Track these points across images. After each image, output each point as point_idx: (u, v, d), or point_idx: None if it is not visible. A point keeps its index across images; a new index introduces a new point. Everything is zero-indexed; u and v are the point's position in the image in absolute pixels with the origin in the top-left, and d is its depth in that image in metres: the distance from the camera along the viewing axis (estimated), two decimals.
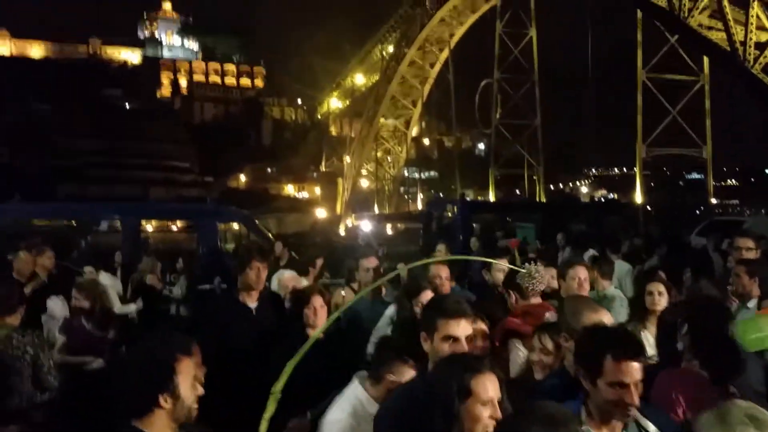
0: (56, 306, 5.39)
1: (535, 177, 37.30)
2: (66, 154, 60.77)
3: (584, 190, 60.95)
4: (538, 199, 34.47)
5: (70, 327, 4.46)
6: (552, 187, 50.85)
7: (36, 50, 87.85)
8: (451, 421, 1.86)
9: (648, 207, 24.61)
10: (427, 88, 48.82)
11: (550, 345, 2.67)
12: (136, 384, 1.93)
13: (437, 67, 47.14)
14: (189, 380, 1.95)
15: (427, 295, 3.41)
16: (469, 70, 43.19)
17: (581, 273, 4.06)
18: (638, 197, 28.57)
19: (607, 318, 2.55)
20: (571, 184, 64.51)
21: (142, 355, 1.98)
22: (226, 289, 3.99)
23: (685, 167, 53.01)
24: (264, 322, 3.68)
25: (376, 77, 55.46)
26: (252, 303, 3.74)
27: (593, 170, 66.55)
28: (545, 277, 3.67)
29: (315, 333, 2.76)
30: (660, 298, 3.85)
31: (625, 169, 52.03)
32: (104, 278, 6.44)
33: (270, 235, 12.45)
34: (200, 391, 1.99)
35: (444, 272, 4.01)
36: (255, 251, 3.82)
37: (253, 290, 3.74)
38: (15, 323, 3.92)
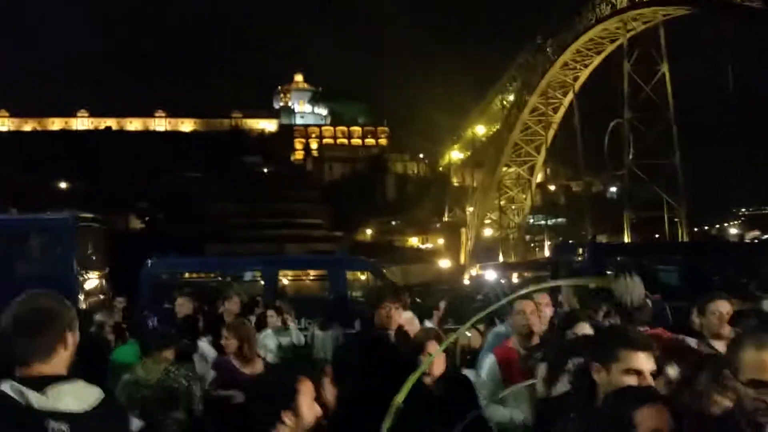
0: (206, 346, 5.94)
1: (676, 219, 34.79)
2: (213, 217, 66.46)
3: (733, 231, 55.38)
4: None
5: (220, 364, 4.83)
6: (696, 229, 46.94)
7: (187, 126, 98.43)
8: None
9: None
10: (551, 133, 47.88)
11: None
12: (264, 402, 2.21)
13: (561, 111, 46.24)
14: (308, 400, 2.22)
15: (584, 327, 3.35)
16: (595, 112, 41.84)
17: (722, 307, 3.79)
18: None
19: None
20: (718, 226, 59.01)
21: (270, 378, 2.34)
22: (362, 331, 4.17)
23: None
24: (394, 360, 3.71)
25: (496, 127, 55.43)
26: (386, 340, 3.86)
27: (743, 210, 60.57)
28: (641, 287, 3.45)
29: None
30: None
31: None
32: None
33: (395, 283, 12.76)
34: (319, 411, 2.25)
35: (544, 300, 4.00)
36: (388, 291, 4.03)
37: (385, 329, 3.87)
38: (170, 357, 4.38)
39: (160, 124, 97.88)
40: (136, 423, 4.25)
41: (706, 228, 56.78)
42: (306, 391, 2.24)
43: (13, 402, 1.65)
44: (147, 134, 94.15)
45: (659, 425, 1.79)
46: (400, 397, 2.28)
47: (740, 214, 60.41)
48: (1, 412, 1.62)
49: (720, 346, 3.80)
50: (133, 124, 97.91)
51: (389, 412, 2.34)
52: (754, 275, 10.07)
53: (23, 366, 1.78)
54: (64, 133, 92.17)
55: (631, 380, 2.16)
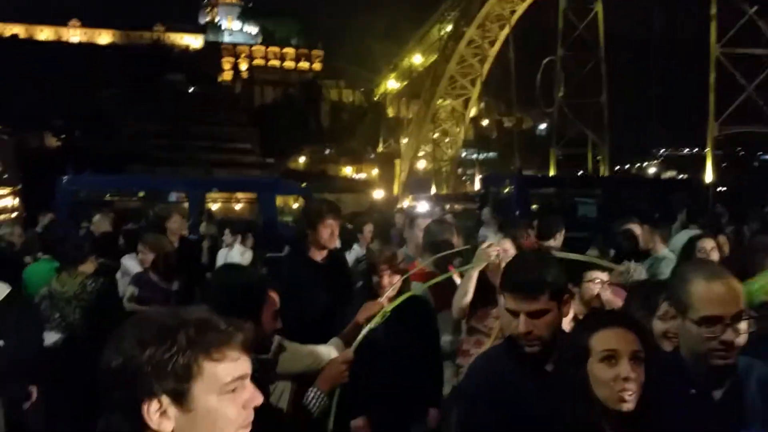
0: (130, 263, 5.78)
1: (599, 157, 36.17)
2: (134, 137, 63.30)
3: (652, 170, 58.50)
4: None
5: (139, 279, 4.73)
6: (617, 167, 49.15)
7: (104, 38, 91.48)
8: None
9: (717, 187, 23.49)
10: (486, 67, 47.92)
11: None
12: (225, 309, 2.08)
13: (497, 45, 46.18)
14: (271, 312, 2.19)
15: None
16: (531, 48, 42.08)
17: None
18: (708, 177, 27.30)
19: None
20: (638, 165, 62.04)
21: (233, 283, 2.21)
22: (293, 251, 3.94)
23: (759, 147, 50.17)
24: (334, 279, 3.62)
25: (434, 58, 54.90)
26: (322, 261, 3.65)
27: (662, 150, 63.81)
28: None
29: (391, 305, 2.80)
30: (711, 253, 3.77)
31: (696, 149, 49.66)
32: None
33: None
34: (278, 325, 2.23)
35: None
36: (328, 208, 3.64)
37: (323, 248, 3.63)
38: (88, 271, 4.21)
39: (74, 34, 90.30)
40: (53, 336, 4.10)
41: (627, 167, 59.64)
42: (271, 303, 2.20)
43: None
44: (60, 45, 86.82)
45: (616, 347, 1.64)
46: (389, 307, 2.37)
47: (659, 154, 63.63)
48: None
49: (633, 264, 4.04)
50: (44, 33, 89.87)
51: (378, 316, 2.42)
52: (666, 210, 10.69)
53: None
54: None
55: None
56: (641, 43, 54.96)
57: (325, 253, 3.65)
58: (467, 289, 3.24)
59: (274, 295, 2.24)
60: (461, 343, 3.45)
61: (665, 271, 4.33)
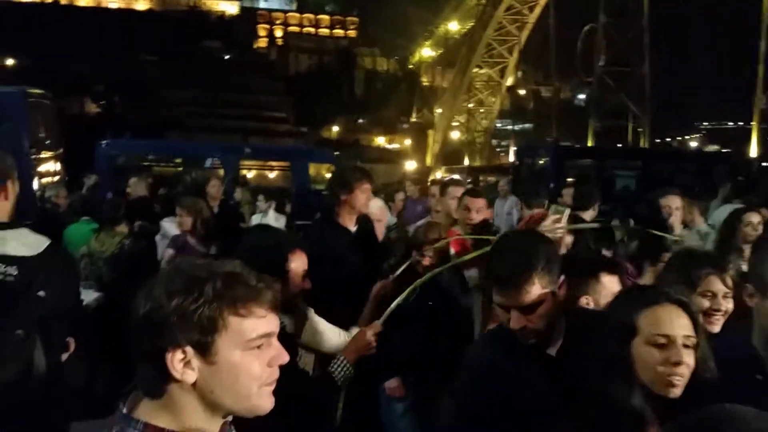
0: (169, 226, 5.91)
1: (639, 129, 35.23)
2: (170, 104, 64.12)
3: (693, 144, 56.71)
4: None
5: (176, 242, 4.79)
6: (658, 140, 47.75)
7: (141, 3, 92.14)
8: None
9: (762, 161, 22.68)
10: (525, 34, 46.76)
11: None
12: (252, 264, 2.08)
13: (537, 11, 44.94)
14: (299, 272, 2.18)
15: None
16: (571, 14, 40.81)
17: (673, 202, 3.94)
18: (753, 150, 26.35)
19: None
20: (679, 138, 60.17)
21: (263, 242, 2.24)
22: (324, 216, 3.84)
23: None
24: (364, 247, 3.56)
25: (470, 24, 53.77)
26: (351, 226, 3.57)
27: (704, 123, 61.70)
28: None
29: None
30: (758, 227, 3.62)
31: (741, 123, 47.87)
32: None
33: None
34: (307, 285, 2.22)
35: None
36: (363, 172, 3.56)
37: (354, 214, 3.54)
38: (124, 231, 4.31)
39: (112, 0, 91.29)
40: (93, 295, 4.24)
41: (668, 140, 57.90)
42: (298, 262, 2.19)
43: None
44: (98, 11, 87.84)
45: (669, 331, 1.53)
46: (418, 282, 2.39)
47: (701, 127, 61.62)
48: None
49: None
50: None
51: (407, 291, 2.41)
52: (707, 184, 10.37)
53: None
54: (6, 3, 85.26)
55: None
56: (686, 10, 52.74)
57: (355, 219, 3.57)
58: None
59: (304, 256, 2.23)
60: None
61: (703, 246, 4.23)
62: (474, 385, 1.87)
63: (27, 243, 1.74)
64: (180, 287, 1.04)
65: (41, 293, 1.73)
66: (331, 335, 2.47)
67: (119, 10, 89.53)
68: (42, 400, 1.76)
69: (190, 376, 1.04)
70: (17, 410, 1.72)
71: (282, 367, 1.11)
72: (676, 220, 3.99)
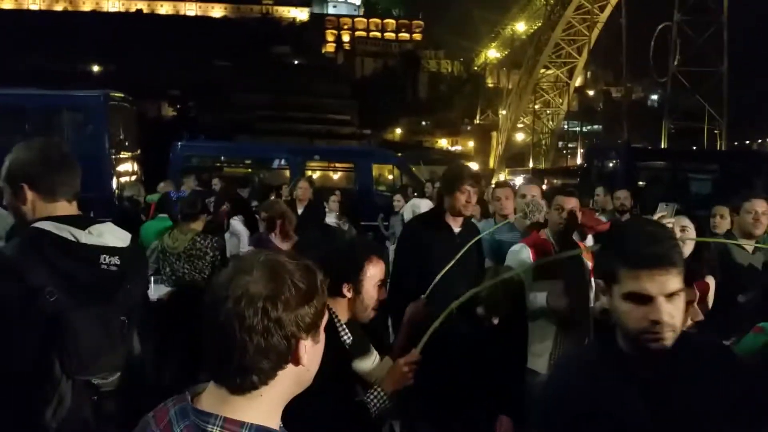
0: (239, 225, 6.14)
1: (716, 131, 33.53)
2: (241, 108, 66.24)
3: None
4: None
5: (259, 240, 4.89)
6: (736, 143, 45.28)
7: (217, 11, 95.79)
8: None
9: None
10: (595, 34, 45.47)
11: None
12: (327, 269, 2.02)
13: (608, 10, 43.61)
14: (374, 281, 2.09)
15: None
16: (644, 12, 39.33)
17: (759, 206, 3.70)
18: None
19: None
20: (759, 141, 56.81)
21: (341, 247, 2.19)
22: (431, 211, 3.68)
23: None
24: (468, 258, 3.27)
25: (538, 24, 52.74)
26: (456, 228, 3.42)
27: None
28: None
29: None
30: None
31: None
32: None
33: (423, 180, 12.75)
34: (383, 295, 2.12)
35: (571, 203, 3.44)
36: (468, 173, 3.40)
37: (459, 215, 3.41)
38: (198, 228, 4.50)
39: (190, 8, 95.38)
40: (164, 289, 4.46)
41: (746, 143, 54.80)
42: (374, 270, 2.09)
43: (64, 239, 1.73)
44: (177, 19, 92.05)
45: None
46: (455, 304, 2.10)
47: None
48: (59, 248, 1.71)
49: (750, 247, 3.76)
50: (164, 8, 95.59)
51: (444, 314, 2.14)
52: None
53: (49, 201, 1.83)
54: (95, 14, 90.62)
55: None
56: None
57: (460, 221, 3.45)
58: None
59: (380, 265, 2.11)
60: None
61: None
62: (554, 414, 1.56)
63: (119, 236, 1.88)
64: (308, 280, 1.11)
65: (131, 283, 1.88)
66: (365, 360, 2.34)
67: (196, 17, 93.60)
68: (138, 387, 1.89)
69: (307, 361, 1.11)
70: (122, 398, 1.85)
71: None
72: (761, 225, 3.77)
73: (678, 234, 2.69)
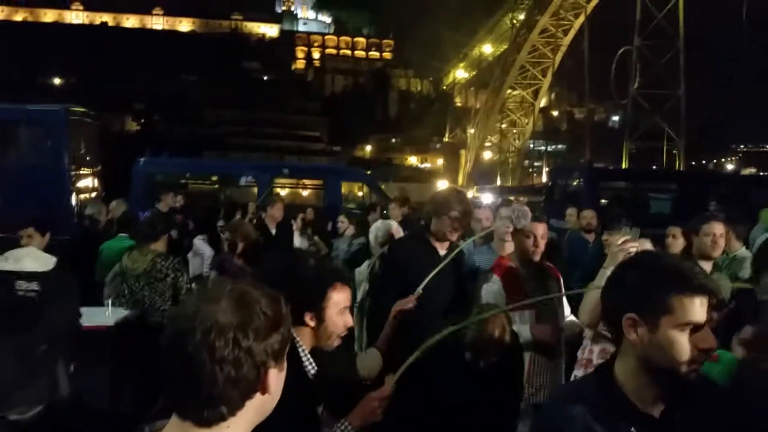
0: (203, 245, 6.03)
1: (675, 151, 34.59)
2: (210, 123, 65.63)
3: (730, 167, 55.34)
4: None
5: (220, 262, 4.74)
6: (693, 162, 46.71)
7: (185, 25, 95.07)
8: None
9: None
10: (558, 57, 46.62)
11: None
12: (289, 297, 1.94)
13: (571, 34, 44.81)
14: (337, 308, 2.00)
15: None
16: (606, 37, 40.52)
17: (716, 229, 3.77)
18: None
19: None
20: (715, 161, 58.80)
21: (303, 273, 2.04)
22: (416, 232, 3.65)
23: None
24: (452, 272, 3.33)
25: (504, 47, 53.83)
26: (442, 251, 3.38)
27: (742, 146, 60.19)
28: None
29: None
30: None
31: None
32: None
33: (392, 198, 12.77)
34: (349, 322, 2.02)
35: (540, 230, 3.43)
36: (457, 198, 3.35)
37: (444, 240, 3.37)
38: (159, 249, 4.40)
39: (157, 22, 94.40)
40: (122, 313, 4.33)
41: (703, 162, 56.64)
42: (339, 297, 2.00)
43: None
44: (144, 32, 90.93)
45: None
46: (433, 340, 2.07)
47: (738, 150, 60.11)
48: None
49: (707, 267, 3.82)
50: (130, 21, 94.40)
51: (423, 347, 2.12)
52: (745, 208, 10.10)
53: None
54: (57, 26, 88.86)
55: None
56: (723, 32, 51.85)
57: (446, 245, 3.40)
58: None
59: (344, 292, 2.03)
60: (583, 352, 3.18)
61: (741, 272, 4.12)
62: None
63: (41, 261, 1.81)
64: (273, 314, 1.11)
65: (55, 310, 1.79)
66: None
67: (163, 31, 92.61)
68: (67, 415, 1.80)
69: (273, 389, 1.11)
70: (46, 425, 1.75)
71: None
72: (718, 247, 3.84)
73: None
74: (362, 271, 4.19)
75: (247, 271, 4.60)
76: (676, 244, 4.44)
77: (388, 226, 4.38)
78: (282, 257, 2.33)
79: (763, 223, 4.21)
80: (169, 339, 1.05)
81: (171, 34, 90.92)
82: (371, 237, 4.38)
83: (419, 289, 2.82)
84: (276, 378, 1.10)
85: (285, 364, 1.14)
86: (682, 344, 1.38)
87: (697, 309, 1.38)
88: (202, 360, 1.01)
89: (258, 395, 1.07)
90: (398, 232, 4.38)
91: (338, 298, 2.00)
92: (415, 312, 2.78)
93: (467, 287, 3.45)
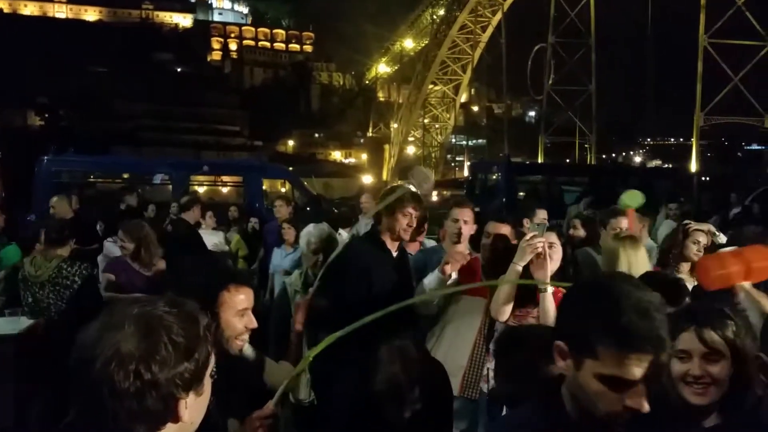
0: (113, 247, 5.70)
1: (586, 145, 36.33)
2: (121, 117, 62.61)
3: (638, 159, 59.02)
4: None
5: (115, 264, 4.56)
6: (604, 156, 49.33)
7: (91, 14, 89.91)
8: None
9: (702, 176, 23.72)
10: (477, 53, 47.81)
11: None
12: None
13: (489, 31, 46.03)
14: (233, 311, 1.91)
15: None
16: (522, 34, 41.92)
17: (623, 224, 4.03)
18: (693, 166, 27.55)
19: None
20: (624, 154, 62.50)
21: (194, 277, 1.97)
22: (369, 233, 3.45)
23: (744, 137, 50.71)
24: (400, 273, 3.28)
25: (425, 42, 54.60)
26: (393, 249, 3.29)
27: (648, 140, 64.29)
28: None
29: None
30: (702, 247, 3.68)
31: (681, 139, 50.10)
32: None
33: (315, 194, 12.62)
34: (251, 324, 1.94)
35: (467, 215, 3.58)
36: (411, 197, 3.23)
37: (397, 239, 3.27)
38: (65, 254, 4.13)
39: (60, 10, 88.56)
40: (25, 322, 4.03)
41: (613, 155, 60.03)
42: (233, 300, 1.91)
43: None
44: (45, 21, 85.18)
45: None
46: (311, 353, 1.91)
47: (645, 143, 64.10)
48: None
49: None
50: (29, 8, 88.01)
51: (308, 355, 1.96)
52: (651, 199, 10.71)
53: None
54: None
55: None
56: (631, 32, 54.97)
57: (397, 245, 3.32)
58: (512, 289, 2.88)
59: (240, 292, 1.93)
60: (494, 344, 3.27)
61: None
62: None
63: None
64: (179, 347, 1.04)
65: None
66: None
67: (67, 20, 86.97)
68: None
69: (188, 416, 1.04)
70: None
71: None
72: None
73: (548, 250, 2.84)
74: (294, 282, 3.82)
75: (144, 273, 4.46)
76: (578, 233, 4.90)
77: (321, 231, 4.11)
78: (189, 259, 2.21)
79: (621, 204, 4.58)
80: (73, 365, 0.99)
81: (75, 23, 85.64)
82: (302, 243, 4.10)
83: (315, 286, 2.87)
84: (192, 405, 1.03)
85: (206, 387, 1.07)
86: (605, 395, 1.19)
87: (630, 366, 1.16)
88: (103, 392, 0.95)
89: (170, 425, 1.01)
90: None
91: (233, 301, 1.91)
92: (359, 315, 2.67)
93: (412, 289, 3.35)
